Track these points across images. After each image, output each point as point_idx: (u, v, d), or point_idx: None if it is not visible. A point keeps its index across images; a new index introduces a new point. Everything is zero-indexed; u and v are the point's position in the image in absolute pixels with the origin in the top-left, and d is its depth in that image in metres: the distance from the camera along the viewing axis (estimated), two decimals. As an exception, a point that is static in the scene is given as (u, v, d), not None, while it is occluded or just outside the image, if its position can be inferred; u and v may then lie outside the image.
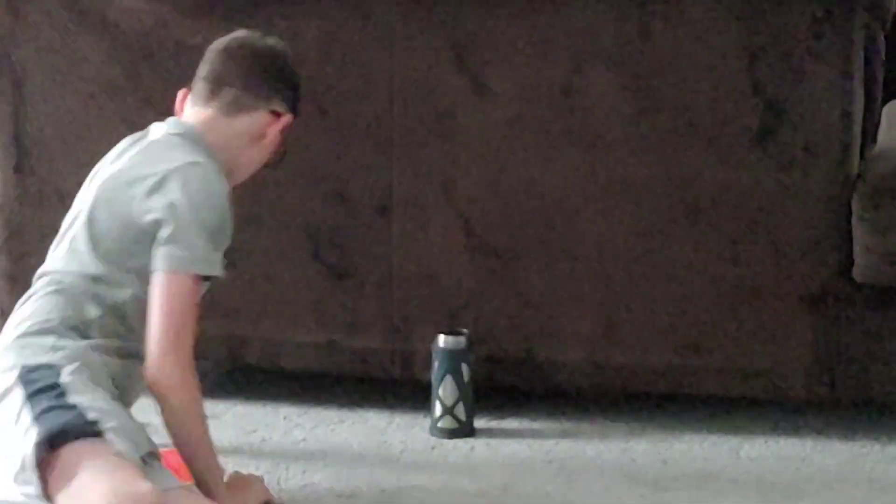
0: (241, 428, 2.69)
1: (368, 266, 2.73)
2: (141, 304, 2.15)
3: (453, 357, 2.64)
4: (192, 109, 2.33)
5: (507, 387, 2.77)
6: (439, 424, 2.66)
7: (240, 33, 2.37)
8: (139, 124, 2.76)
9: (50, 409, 2.01)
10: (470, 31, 2.63)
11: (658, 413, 2.77)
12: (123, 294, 2.17)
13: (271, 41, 2.38)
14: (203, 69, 2.33)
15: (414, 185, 2.69)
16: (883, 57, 2.69)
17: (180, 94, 2.37)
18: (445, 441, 2.63)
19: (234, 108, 2.30)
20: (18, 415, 2.02)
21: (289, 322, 2.78)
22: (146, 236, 2.16)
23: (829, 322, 2.58)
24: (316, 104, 2.70)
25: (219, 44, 2.35)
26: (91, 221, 2.22)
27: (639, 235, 2.62)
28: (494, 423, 2.72)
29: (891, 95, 2.83)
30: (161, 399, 2.11)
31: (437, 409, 2.65)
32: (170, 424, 2.12)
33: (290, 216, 2.74)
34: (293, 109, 2.37)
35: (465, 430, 2.65)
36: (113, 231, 2.20)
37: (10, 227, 2.86)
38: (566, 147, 2.63)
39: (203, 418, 2.15)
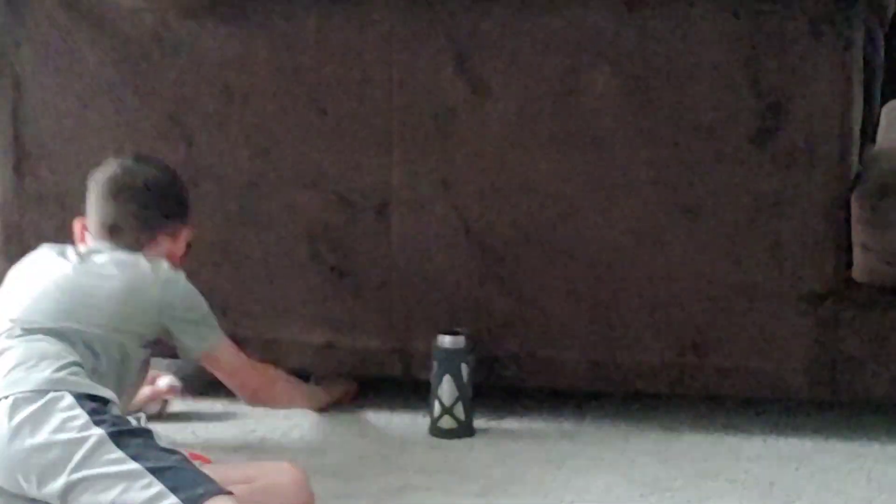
0: (241, 428, 2.69)
1: (368, 266, 2.73)
2: None
3: (452, 357, 2.64)
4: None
5: (506, 387, 2.77)
6: (438, 424, 2.66)
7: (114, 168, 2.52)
8: (139, 124, 2.78)
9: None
10: (470, 31, 2.63)
11: (658, 413, 2.77)
12: None
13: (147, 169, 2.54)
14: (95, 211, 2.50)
15: (413, 184, 2.69)
16: (883, 57, 2.69)
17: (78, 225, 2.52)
18: (445, 441, 2.63)
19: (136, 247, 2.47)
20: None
21: (289, 322, 2.78)
22: None
23: (829, 322, 2.58)
24: (316, 104, 2.70)
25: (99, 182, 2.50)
26: None
27: (638, 235, 2.62)
28: (494, 423, 2.72)
29: (891, 95, 2.83)
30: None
31: (437, 409, 2.65)
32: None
33: (290, 216, 2.74)
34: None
35: (464, 430, 2.65)
36: None
37: (9, 227, 2.86)
38: (566, 147, 2.63)
39: (287, 384, 2.67)
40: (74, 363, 2.17)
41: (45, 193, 2.84)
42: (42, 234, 2.82)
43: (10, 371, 2.14)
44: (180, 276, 2.45)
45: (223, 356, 2.52)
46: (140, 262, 2.41)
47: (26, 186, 2.84)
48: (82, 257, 2.41)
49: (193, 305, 2.46)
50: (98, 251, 2.43)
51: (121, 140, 2.77)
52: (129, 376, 2.35)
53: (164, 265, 2.43)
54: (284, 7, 2.69)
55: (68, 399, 2.07)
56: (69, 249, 2.44)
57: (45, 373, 2.12)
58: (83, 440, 2.02)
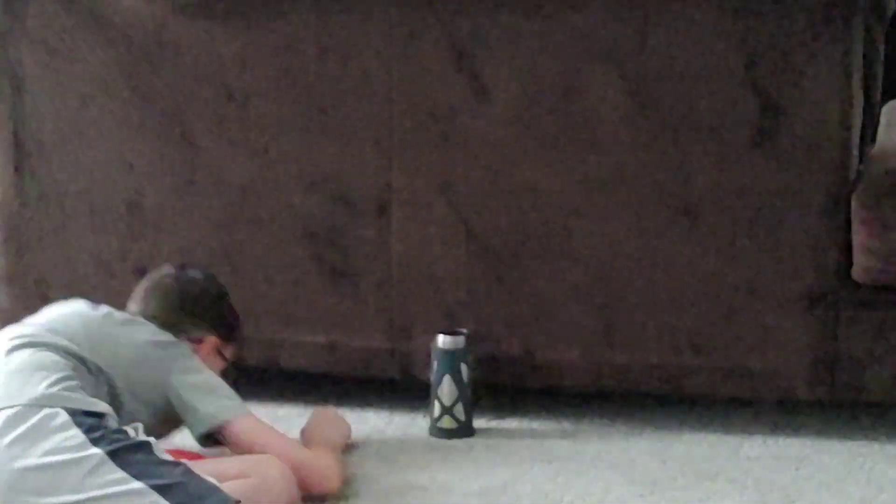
0: (241, 428, 2.68)
1: (368, 266, 2.73)
2: None
3: (452, 357, 2.64)
4: None
5: (506, 387, 2.77)
6: (438, 424, 2.66)
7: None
8: (139, 124, 2.78)
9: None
10: (470, 31, 2.63)
11: (658, 413, 2.77)
12: None
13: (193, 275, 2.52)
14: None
15: (413, 185, 2.69)
16: (883, 57, 2.69)
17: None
18: (445, 441, 2.63)
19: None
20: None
21: (289, 322, 2.78)
22: None
23: (829, 322, 2.58)
24: (316, 104, 2.70)
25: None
26: None
27: (638, 235, 2.62)
28: (494, 423, 2.72)
29: (891, 95, 2.83)
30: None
31: (437, 409, 2.65)
32: None
33: (290, 216, 2.74)
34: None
35: (464, 430, 2.65)
36: None
37: (9, 227, 2.86)
38: (566, 147, 2.63)
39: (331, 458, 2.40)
40: (68, 376, 2.11)
41: (45, 193, 2.84)
42: (42, 234, 2.83)
43: (1, 385, 2.09)
44: (201, 359, 2.40)
45: (251, 429, 2.33)
46: (166, 334, 2.37)
47: (26, 186, 2.84)
48: (113, 314, 2.37)
49: (211, 376, 2.37)
50: (135, 319, 2.40)
51: (121, 140, 2.78)
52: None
53: (187, 343, 2.40)
54: (284, 7, 2.69)
55: (63, 416, 2.02)
56: (104, 305, 2.40)
57: (38, 387, 2.07)
58: (81, 461, 1.97)
